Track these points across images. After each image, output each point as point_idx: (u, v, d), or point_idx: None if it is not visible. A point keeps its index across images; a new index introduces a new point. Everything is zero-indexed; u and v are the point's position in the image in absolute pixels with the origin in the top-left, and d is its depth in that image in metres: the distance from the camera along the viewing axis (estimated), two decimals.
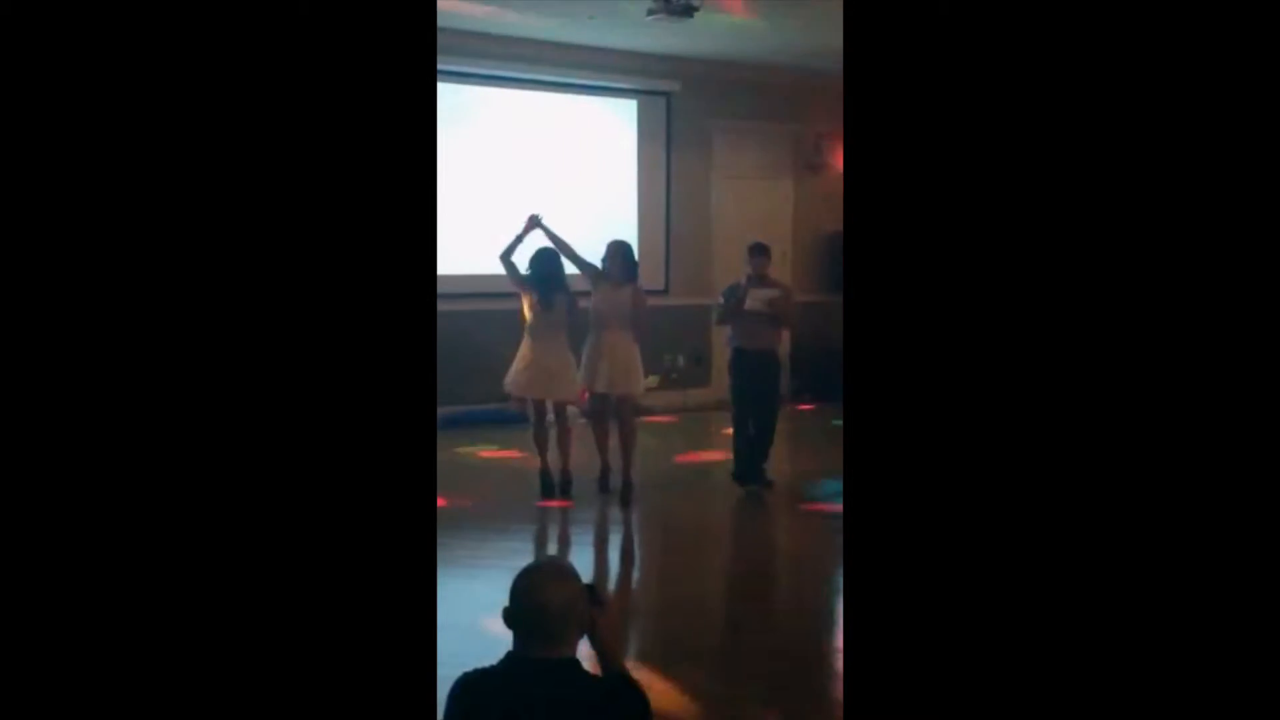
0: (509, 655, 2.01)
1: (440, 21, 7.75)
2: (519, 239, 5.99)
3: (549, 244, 6.01)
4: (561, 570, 2.06)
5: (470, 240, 7.73)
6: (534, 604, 1.97)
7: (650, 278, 9.40)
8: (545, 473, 6.17)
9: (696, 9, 6.85)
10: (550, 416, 6.25)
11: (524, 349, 6.04)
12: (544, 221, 6.07)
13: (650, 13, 6.89)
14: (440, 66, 7.96)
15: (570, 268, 6.09)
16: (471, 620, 4.14)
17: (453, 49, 8.05)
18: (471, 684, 2.01)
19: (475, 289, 7.89)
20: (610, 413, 6.23)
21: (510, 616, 2.00)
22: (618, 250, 6.09)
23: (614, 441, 6.22)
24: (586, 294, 6.17)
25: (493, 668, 2.04)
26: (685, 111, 9.53)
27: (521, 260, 5.99)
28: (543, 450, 6.20)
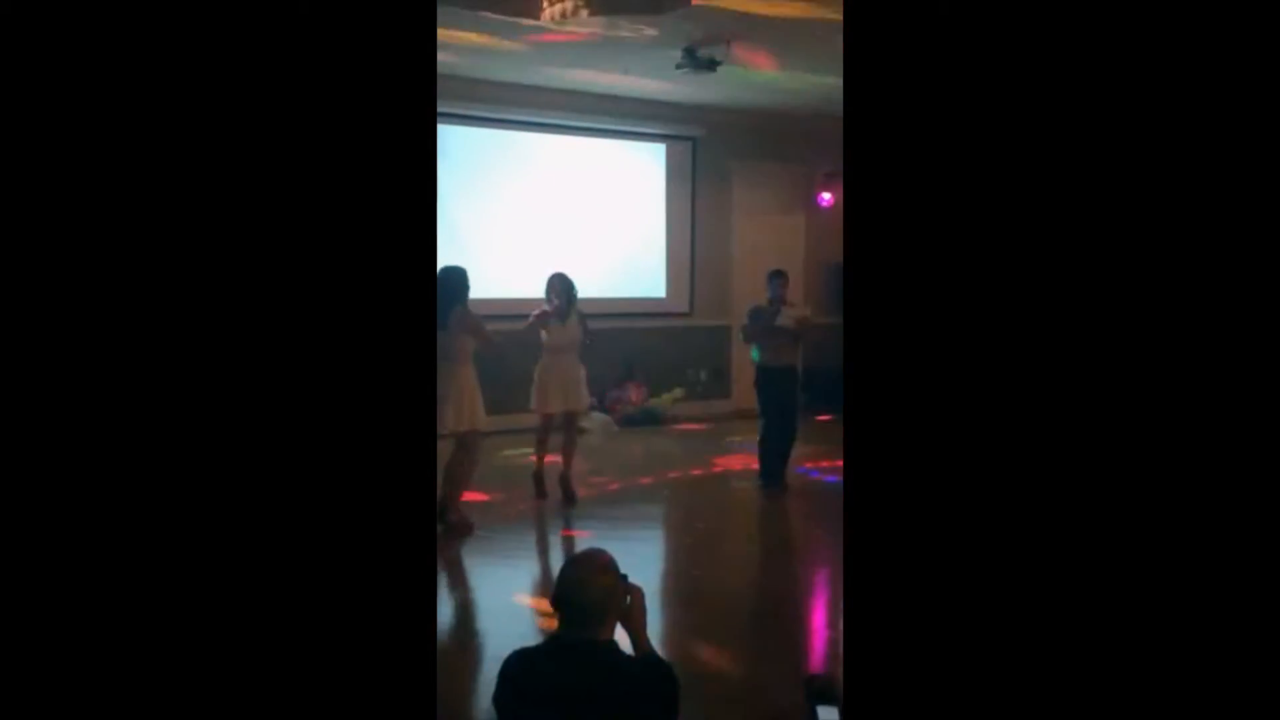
0: (554, 636, 2.13)
1: (486, 74, 8.40)
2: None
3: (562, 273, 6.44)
4: (603, 563, 2.15)
5: (519, 271, 8.49)
6: (579, 592, 2.08)
7: (676, 301, 10.11)
8: (539, 475, 6.54)
9: (719, 64, 7.25)
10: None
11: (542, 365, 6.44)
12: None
13: (678, 66, 7.31)
14: (488, 114, 9.00)
15: (584, 292, 6.63)
16: (505, 600, 4.54)
17: (498, 98, 8.71)
18: (522, 662, 2.13)
19: (515, 311, 8.37)
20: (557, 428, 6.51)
21: (557, 602, 2.10)
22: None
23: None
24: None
25: (540, 647, 2.18)
26: (709, 155, 10.07)
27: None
28: (540, 455, 6.52)
